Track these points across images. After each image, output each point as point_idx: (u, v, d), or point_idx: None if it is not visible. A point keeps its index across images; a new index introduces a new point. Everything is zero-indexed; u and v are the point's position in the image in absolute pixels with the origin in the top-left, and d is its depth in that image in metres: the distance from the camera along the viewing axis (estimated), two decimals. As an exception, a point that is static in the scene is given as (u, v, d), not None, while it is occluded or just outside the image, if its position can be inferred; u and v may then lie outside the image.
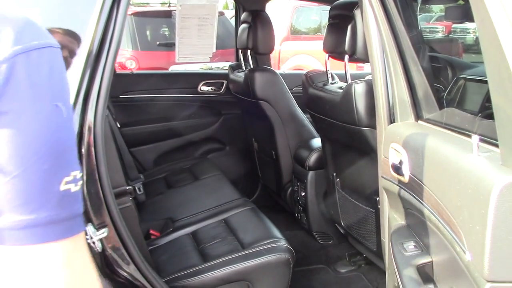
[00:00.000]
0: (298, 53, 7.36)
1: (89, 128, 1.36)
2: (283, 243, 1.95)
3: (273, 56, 7.11)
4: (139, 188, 2.64)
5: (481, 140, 1.00)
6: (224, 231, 2.15)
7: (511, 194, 0.78)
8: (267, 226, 2.12)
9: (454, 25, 3.23)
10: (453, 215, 0.96)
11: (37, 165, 0.55)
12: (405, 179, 1.35)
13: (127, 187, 1.63)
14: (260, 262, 1.87)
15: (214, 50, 3.32)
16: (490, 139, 0.98)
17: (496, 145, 0.91)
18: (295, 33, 7.74)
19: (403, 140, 1.41)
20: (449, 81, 1.96)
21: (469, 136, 1.04)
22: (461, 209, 0.91)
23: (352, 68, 3.62)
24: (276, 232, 2.04)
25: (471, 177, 0.87)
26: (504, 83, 0.74)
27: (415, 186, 1.27)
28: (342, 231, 2.59)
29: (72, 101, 1.38)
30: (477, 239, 0.83)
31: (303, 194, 2.71)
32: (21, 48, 0.55)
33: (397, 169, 1.42)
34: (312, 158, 2.67)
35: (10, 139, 0.54)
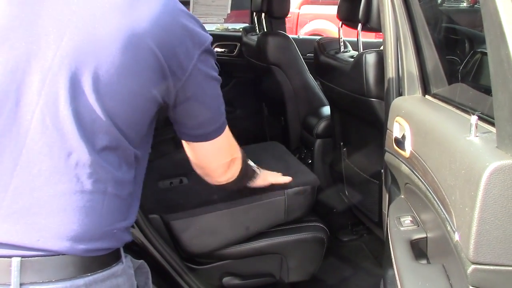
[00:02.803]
0: (317, 17, 7.22)
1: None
2: (318, 223, 2.01)
3: (291, 19, 6.99)
4: (147, 148, 2.66)
5: (484, 120, 0.98)
6: None
7: (502, 177, 0.77)
8: None
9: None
10: (446, 194, 0.95)
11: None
12: (406, 154, 1.34)
13: None
14: (296, 238, 1.92)
15: (229, 11, 3.27)
16: (492, 119, 0.97)
17: (498, 126, 0.89)
18: (315, -4, 7.59)
19: (407, 114, 1.39)
20: (465, 54, 1.92)
21: (473, 114, 1.02)
22: (454, 189, 0.90)
23: (371, 36, 3.55)
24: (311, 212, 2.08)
25: (466, 158, 0.86)
26: (503, 64, 0.72)
27: (415, 162, 1.26)
28: (346, 200, 2.60)
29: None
30: (466, 220, 0.82)
31: (309, 161, 2.71)
32: None
33: (400, 143, 1.41)
34: (321, 126, 2.66)
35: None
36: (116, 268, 0.93)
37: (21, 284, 0.82)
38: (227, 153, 1.18)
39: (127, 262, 0.99)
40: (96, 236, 0.88)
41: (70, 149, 0.83)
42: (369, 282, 2.16)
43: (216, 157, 1.16)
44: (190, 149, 1.14)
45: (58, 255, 0.84)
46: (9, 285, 0.81)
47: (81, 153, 0.83)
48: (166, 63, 0.89)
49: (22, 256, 0.82)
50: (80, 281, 0.86)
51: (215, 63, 1.03)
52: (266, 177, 1.67)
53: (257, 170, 1.62)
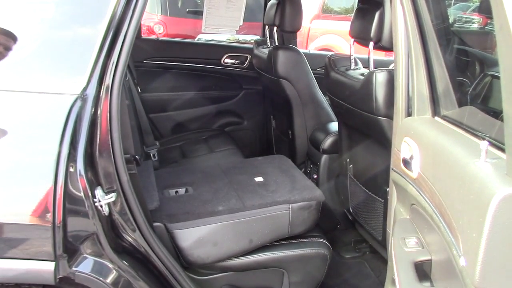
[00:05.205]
0: (327, 32, 7.24)
1: (107, 90, 1.38)
2: (322, 239, 2.02)
3: (302, 33, 7.01)
4: (154, 155, 2.67)
5: (494, 145, 0.98)
6: None
7: (511, 205, 0.77)
8: None
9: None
10: (453, 218, 0.95)
11: None
12: (414, 175, 1.34)
13: (135, 155, 1.66)
14: (299, 253, 1.94)
15: (241, 23, 3.29)
16: (503, 145, 0.97)
17: (507, 152, 0.89)
18: (326, 11, 7.60)
19: (416, 135, 1.39)
20: (475, 76, 1.92)
21: (483, 138, 1.02)
22: (462, 214, 0.90)
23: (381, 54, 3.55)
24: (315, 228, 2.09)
25: (474, 183, 0.86)
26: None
27: (422, 183, 1.26)
28: (350, 217, 2.59)
29: (92, 63, 1.40)
30: (473, 246, 0.82)
31: (315, 176, 2.71)
32: None
33: (407, 163, 1.40)
34: (328, 141, 2.66)
35: None
36: None
37: None
38: None
39: None
40: None
41: None
42: (370, 301, 2.15)
43: None
44: None
45: None
46: None
47: None
48: None
49: None
50: None
51: None
52: None
53: None
